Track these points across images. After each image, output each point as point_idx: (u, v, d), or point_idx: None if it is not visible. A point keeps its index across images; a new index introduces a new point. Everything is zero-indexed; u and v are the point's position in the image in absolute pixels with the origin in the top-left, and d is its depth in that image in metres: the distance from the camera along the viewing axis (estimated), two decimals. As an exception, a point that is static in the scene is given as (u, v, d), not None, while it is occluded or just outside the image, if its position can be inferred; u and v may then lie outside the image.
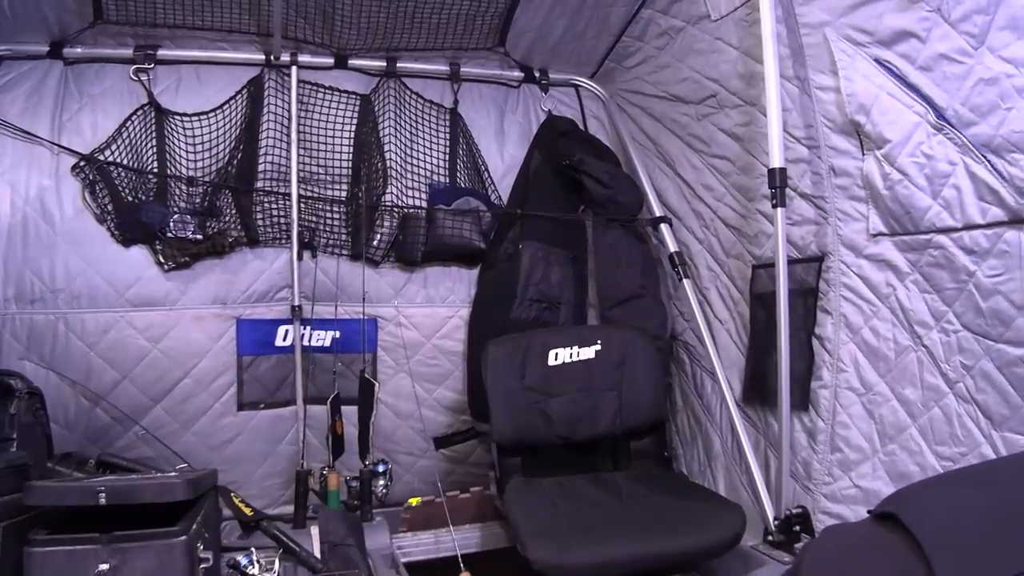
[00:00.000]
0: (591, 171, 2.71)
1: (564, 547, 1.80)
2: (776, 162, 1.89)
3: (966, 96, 1.48)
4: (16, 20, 2.28)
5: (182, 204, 2.51)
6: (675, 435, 2.70)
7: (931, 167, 1.58)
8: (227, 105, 2.57)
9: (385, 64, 2.74)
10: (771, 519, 2.02)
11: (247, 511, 2.35)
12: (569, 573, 1.78)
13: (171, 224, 2.46)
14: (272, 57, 2.58)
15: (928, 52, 1.55)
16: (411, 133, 2.79)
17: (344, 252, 2.68)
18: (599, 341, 2.43)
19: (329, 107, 2.69)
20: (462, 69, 2.83)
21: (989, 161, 1.45)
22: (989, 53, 1.43)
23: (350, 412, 2.52)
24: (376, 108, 2.74)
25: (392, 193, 2.70)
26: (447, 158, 2.83)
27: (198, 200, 2.53)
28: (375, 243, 2.69)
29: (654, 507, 2.08)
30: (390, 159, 2.72)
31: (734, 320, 2.35)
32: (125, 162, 2.44)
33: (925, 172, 1.59)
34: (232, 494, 2.43)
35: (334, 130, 2.69)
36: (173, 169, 2.50)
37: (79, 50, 2.45)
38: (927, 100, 1.57)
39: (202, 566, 1.76)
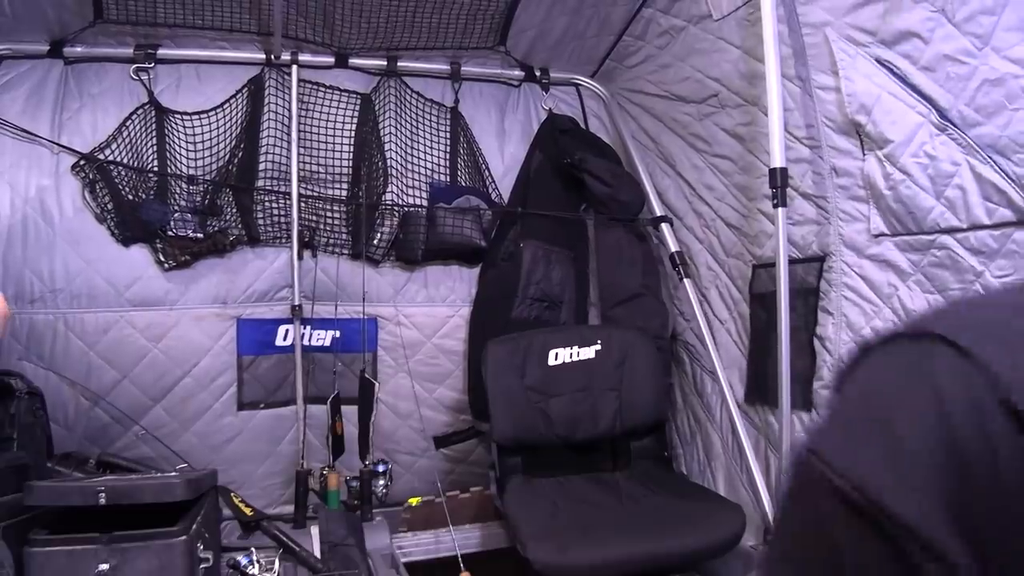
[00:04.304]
0: (593, 170, 2.70)
1: (564, 547, 1.80)
2: (777, 162, 1.88)
3: (971, 97, 1.47)
4: (16, 19, 2.28)
5: (182, 203, 2.50)
6: (675, 435, 2.70)
7: (934, 167, 1.57)
8: (227, 104, 2.56)
9: (386, 63, 2.73)
10: (771, 519, 2.02)
11: (247, 511, 2.35)
12: (569, 573, 1.78)
13: (171, 222, 2.46)
14: (272, 56, 2.58)
15: (931, 52, 1.54)
16: (412, 132, 2.79)
17: (344, 251, 2.68)
18: (599, 341, 2.43)
19: (330, 106, 2.68)
20: (463, 68, 2.82)
21: (995, 162, 1.44)
22: (994, 54, 1.42)
23: (350, 412, 2.51)
24: (376, 107, 2.73)
25: (392, 192, 2.70)
26: (447, 157, 2.82)
27: (199, 199, 2.52)
28: (375, 242, 2.68)
29: (654, 507, 2.08)
30: (390, 158, 2.72)
31: (734, 320, 2.34)
32: (125, 161, 2.43)
33: (928, 172, 1.59)
34: (232, 494, 2.43)
35: (335, 129, 2.68)
36: (173, 168, 2.50)
37: (79, 49, 2.44)
38: (930, 100, 1.56)
39: (202, 566, 1.76)
